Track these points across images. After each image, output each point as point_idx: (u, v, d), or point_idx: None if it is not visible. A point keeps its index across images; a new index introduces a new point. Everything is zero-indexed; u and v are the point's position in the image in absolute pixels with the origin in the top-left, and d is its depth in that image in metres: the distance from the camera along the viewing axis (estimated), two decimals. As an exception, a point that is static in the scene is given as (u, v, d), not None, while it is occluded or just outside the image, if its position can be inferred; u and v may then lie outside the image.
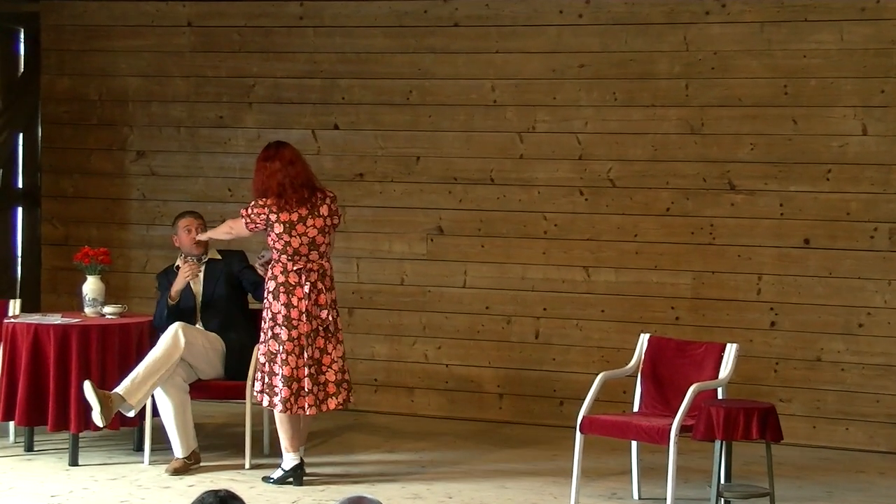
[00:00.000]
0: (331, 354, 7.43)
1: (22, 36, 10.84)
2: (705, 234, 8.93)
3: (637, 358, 7.40)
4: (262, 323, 7.44)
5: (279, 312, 7.35)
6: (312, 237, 7.40)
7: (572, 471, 7.07)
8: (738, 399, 7.40)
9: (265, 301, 7.44)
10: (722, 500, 6.81)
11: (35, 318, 8.04)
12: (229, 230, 7.73)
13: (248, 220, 7.46)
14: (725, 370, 7.10)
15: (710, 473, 7.10)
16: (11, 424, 8.20)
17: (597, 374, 7.31)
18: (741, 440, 6.74)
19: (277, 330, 7.35)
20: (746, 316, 8.84)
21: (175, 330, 7.72)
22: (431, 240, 9.51)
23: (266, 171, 7.44)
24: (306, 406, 7.33)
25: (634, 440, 7.12)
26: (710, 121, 8.89)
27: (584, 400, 7.16)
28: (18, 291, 10.62)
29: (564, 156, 9.20)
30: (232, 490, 3.71)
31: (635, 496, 7.32)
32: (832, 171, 8.67)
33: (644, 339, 7.44)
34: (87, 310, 8.14)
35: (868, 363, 8.62)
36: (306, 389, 7.33)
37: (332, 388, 7.41)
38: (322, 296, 7.41)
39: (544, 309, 9.27)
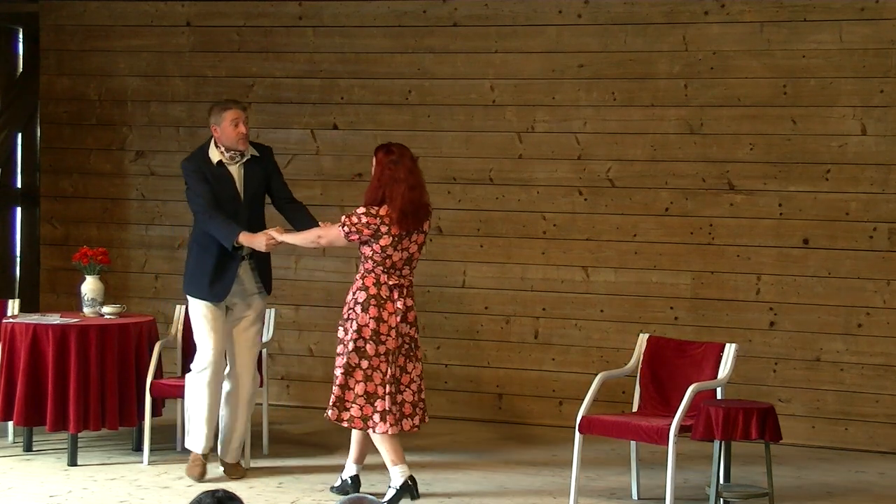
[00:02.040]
0: (410, 374, 7.09)
1: (21, 36, 10.83)
2: (704, 234, 8.92)
3: (636, 358, 7.40)
4: (343, 333, 7.05)
5: (367, 325, 6.97)
6: (412, 252, 7.09)
7: (571, 471, 7.07)
8: (738, 399, 7.40)
9: (350, 311, 7.03)
10: (721, 500, 6.81)
11: (34, 318, 8.03)
12: (317, 239, 7.27)
13: (352, 230, 6.97)
14: (724, 370, 7.09)
15: (709, 474, 7.10)
16: (10, 424, 8.20)
17: (596, 374, 7.31)
18: (740, 440, 6.75)
19: (361, 343, 6.96)
20: (746, 316, 8.83)
21: (210, 369, 7.45)
22: (430, 240, 9.49)
23: (388, 186, 6.97)
24: (390, 424, 6.99)
25: (633, 440, 7.12)
26: (710, 121, 8.89)
27: (583, 400, 7.16)
28: (17, 291, 10.61)
29: (564, 156, 9.19)
30: (230, 490, 3.71)
31: (634, 496, 7.31)
32: (831, 171, 8.67)
33: (643, 339, 7.44)
34: (86, 310, 8.13)
35: (867, 363, 8.62)
36: (386, 409, 6.99)
37: (408, 409, 7.08)
38: (411, 312, 7.10)
39: (543, 309, 9.27)
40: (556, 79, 9.19)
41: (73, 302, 9.40)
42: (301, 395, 9.74)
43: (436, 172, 9.46)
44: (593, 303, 9.16)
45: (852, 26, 8.58)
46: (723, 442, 6.71)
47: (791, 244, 8.76)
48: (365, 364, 6.98)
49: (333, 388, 7.05)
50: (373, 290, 7.01)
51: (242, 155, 7.52)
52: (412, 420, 7.10)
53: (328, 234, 7.17)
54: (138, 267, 10.15)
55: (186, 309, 8.28)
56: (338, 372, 7.03)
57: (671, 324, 8.93)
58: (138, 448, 8.04)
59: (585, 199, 9.16)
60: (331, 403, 7.05)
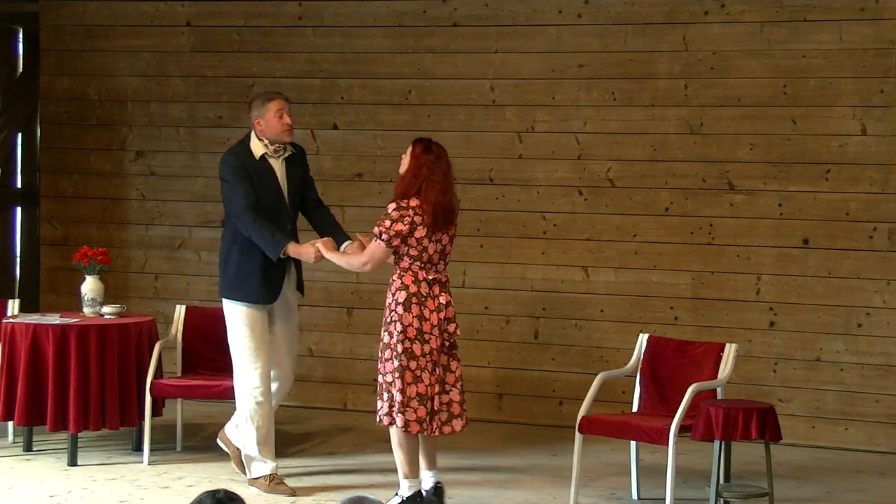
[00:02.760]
0: (454, 373, 6.85)
1: (21, 36, 10.84)
2: (704, 234, 8.92)
3: (636, 358, 7.40)
4: (389, 337, 6.76)
5: (411, 325, 6.72)
6: (444, 245, 6.84)
7: (571, 471, 7.07)
8: (738, 399, 7.40)
9: (392, 314, 6.77)
10: (721, 500, 6.81)
11: (34, 318, 8.03)
12: (363, 266, 6.99)
13: (392, 235, 6.72)
14: (724, 370, 7.09)
15: (709, 473, 7.10)
16: (10, 424, 8.20)
17: (596, 374, 7.31)
18: (740, 440, 6.75)
19: (408, 344, 6.71)
20: (746, 316, 8.83)
21: (260, 390, 7.22)
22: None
23: (423, 182, 6.78)
24: (436, 426, 6.80)
25: (633, 440, 7.12)
26: (710, 121, 8.89)
27: (583, 400, 7.16)
28: (17, 291, 10.62)
29: (563, 156, 9.19)
30: (230, 490, 3.71)
31: (634, 496, 7.31)
32: (831, 171, 8.67)
33: (643, 339, 7.44)
34: (86, 310, 8.13)
35: (867, 363, 8.62)
36: (435, 409, 6.78)
37: (456, 409, 6.85)
38: (451, 308, 6.83)
39: (543, 309, 9.27)
40: (556, 79, 9.19)
41: (73, 302, 9.40)
42: (301, 395, 9.74)
43: (436, 172, 9.46)
44: (593, 303, 9.16)
45: (852, 26, 8.58)
46: (723, 442, 6.71)
47: (791, 244, 8.76)
48: (413, 365, 6.73)
49: (386, 393, 6.76)
50: (413, 288, 6.77)
51: (286, 148, 7.35)
52: (461, 420, 6.88)
53: (372, 255, 6.87)
54: (138, 267, 10.15)
55: (187, 310, 8.32)
56: (389, 377, 6.75)
57: (671, 324, 8.93)
58: (138, 448, 8.04)
59: (585, 199, 9.16)
60: (388, 409, 6.75)
